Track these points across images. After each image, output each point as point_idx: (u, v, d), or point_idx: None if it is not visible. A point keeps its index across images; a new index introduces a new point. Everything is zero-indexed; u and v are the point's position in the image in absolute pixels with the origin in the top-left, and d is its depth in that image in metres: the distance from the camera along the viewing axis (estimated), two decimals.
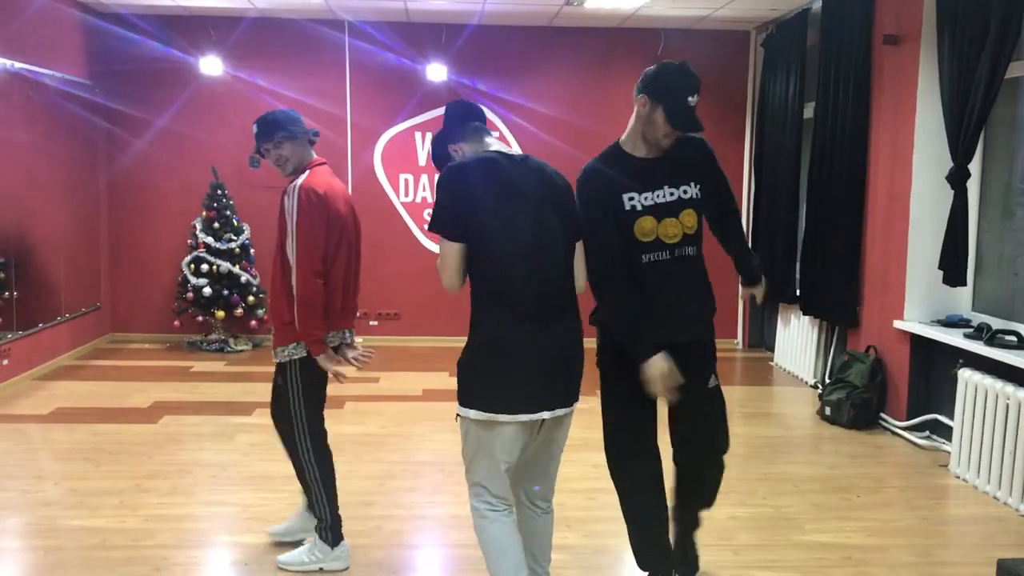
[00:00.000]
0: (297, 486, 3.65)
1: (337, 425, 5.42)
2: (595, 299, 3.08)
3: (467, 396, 2.74)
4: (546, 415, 2.75)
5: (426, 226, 2.72)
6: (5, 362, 6.18)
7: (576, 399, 2.87)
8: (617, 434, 3.23)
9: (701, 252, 3.18)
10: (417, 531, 3.98)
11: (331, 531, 3.52)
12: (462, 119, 2.94)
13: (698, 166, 3.13)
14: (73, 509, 4.10)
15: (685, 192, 3.06)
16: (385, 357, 7.53)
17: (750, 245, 7.66)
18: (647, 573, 3.31)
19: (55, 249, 7.02)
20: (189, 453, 4.96)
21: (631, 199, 3.02)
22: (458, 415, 2.78)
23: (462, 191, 2.72)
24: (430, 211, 2.95)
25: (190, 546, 3.76)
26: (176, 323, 7.71)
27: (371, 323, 8.15)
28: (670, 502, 3.32)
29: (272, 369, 3.57)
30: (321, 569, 3.49)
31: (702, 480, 3.32)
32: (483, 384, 2.72)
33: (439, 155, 2.98)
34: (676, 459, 3.30)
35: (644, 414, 3.20)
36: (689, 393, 3.08)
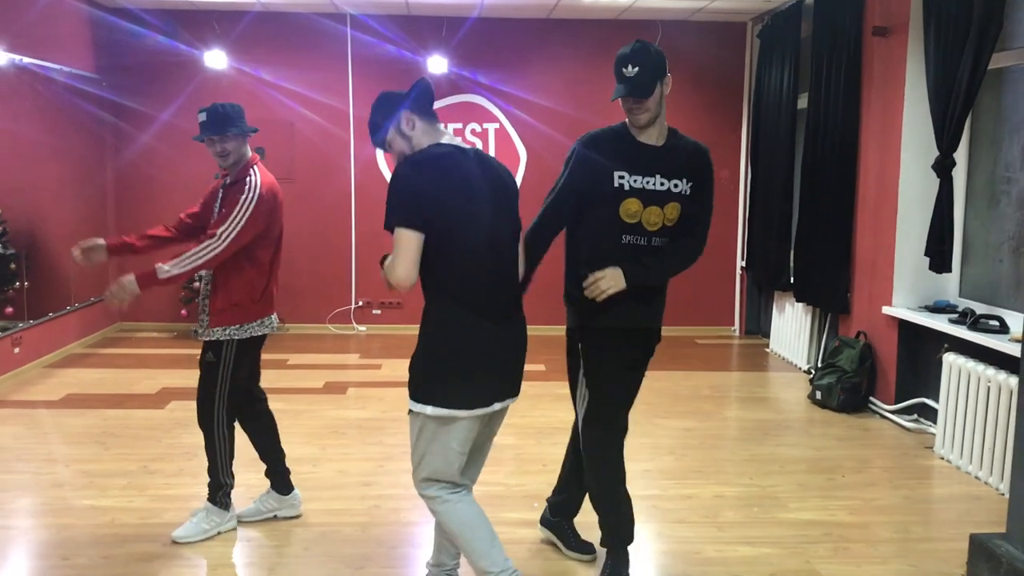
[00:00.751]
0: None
1: (339, 410, 5.64)
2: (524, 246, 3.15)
3: (426, 393, 2.76)
4: (498, 406, 2.86)
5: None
6: (17, 350, 6.35)
7: (520, 388, 2.99)
8: (604, 410, 3.28)
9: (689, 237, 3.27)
10: (415, 509, 4.11)
11: (228, 496, 3.81)
12: (427, 97, 2.87)
13: (696, 170, 3.22)
14: (83, 490, 4.26)
15: (676, 186, 3.17)
16: (387, 345, 7.71)
17: (746, 233, 7.82)
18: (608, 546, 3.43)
19: (64, 240, 7.14)
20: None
21: (621, 177, 3.13)
22: (411, 411, 2.82)
23: (425, 184, 2.68)
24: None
25: None
26: (183, 312, 7.88)
27: (374, 311, 8.29)
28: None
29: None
30: (220, 533, 3.78)
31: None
32: (445, 381, 2.75)
33: (378, 122, 2.85)
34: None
35: (631, 390, 3.32)
36: (637, 378, 3.30)
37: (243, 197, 3.59)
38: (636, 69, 3.08)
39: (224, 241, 3.56)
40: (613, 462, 3.31)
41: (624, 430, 3.32)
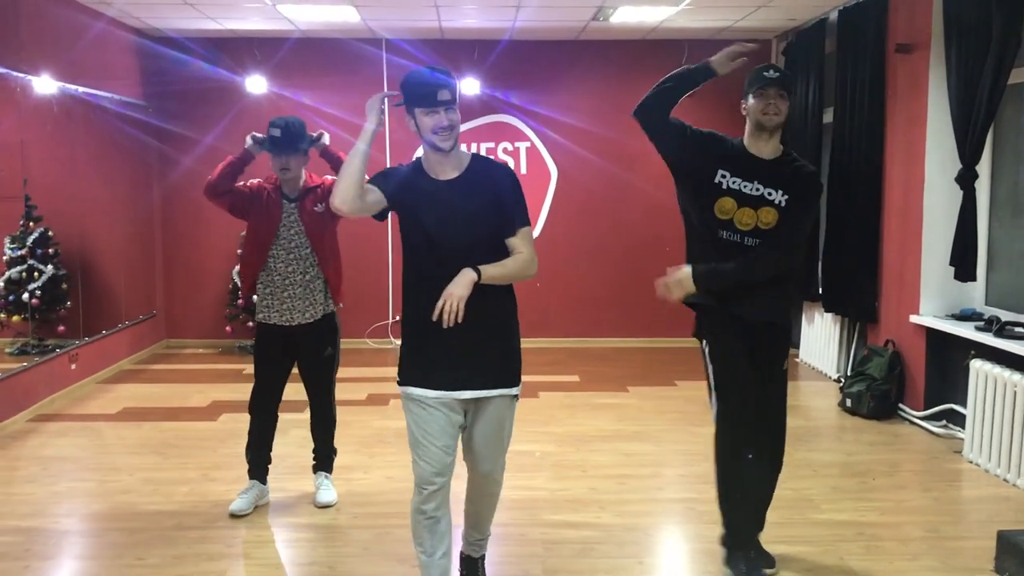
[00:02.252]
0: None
1: (383, 420, 5.88)
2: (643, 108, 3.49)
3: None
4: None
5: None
6: (74, 366, 6.63)
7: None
8: (726, 412, 3.51)
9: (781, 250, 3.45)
10: (459, 512, 4.27)
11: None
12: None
13: (797, 187, 3.42)
14: (149, 496, 4.51)
15: (770, 195, 3.40)
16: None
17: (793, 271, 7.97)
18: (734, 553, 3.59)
19: (114, 261, 7.49)
20: None
21: (723, 175, 3.42)
22: (516, 396, 3.14)
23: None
24: None
25: (258, 527, 4.14)
26: (228, 329, 8.16)
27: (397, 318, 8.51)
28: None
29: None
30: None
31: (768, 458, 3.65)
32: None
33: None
34: None
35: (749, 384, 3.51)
36: (759, 372, 3.48)
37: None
38: (778, 74, 3.44)
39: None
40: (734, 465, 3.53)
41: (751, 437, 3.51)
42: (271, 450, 4.42)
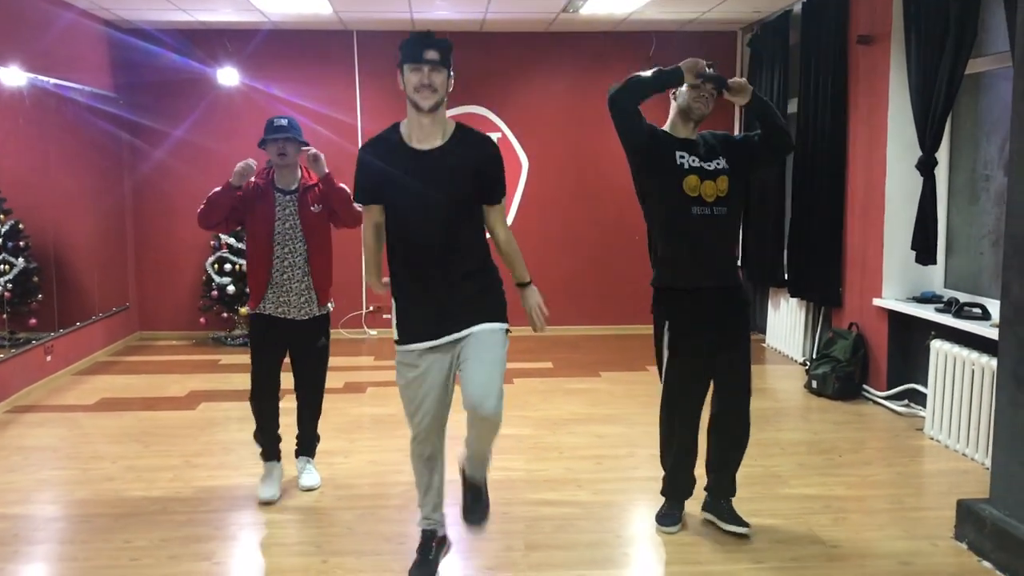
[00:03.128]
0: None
1: (361, 407, 5.97)
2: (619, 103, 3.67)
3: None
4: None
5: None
6: (49, 358, 6.64)
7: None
8: (681, 383, 3.86)
9: (736, 217, 3.82)
10: (447, 493, 4.43)
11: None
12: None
13: (727, 148, 3.79)
14: (133, 483, 4.57)
15: (718, 164, 3.73)
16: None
17: (742, 233, 8.19)
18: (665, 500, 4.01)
19: (86, 253, 7.48)
20: (228, 434, 5.43)
21: (682, 156, 3.70)
22: (508, 331, 3.25)
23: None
24: None
25: (244, 509, 4.22)
26: (202, 320, 8.18)
27: (384, 316, 8.60)
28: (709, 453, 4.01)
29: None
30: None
31: (733, 421, 3.96)
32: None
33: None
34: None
35: (707, 359, 3.82)
36: (723, 338, 3.79)
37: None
38: (713, 70, 3.68)
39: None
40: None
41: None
42: (279, 428, 4.47)
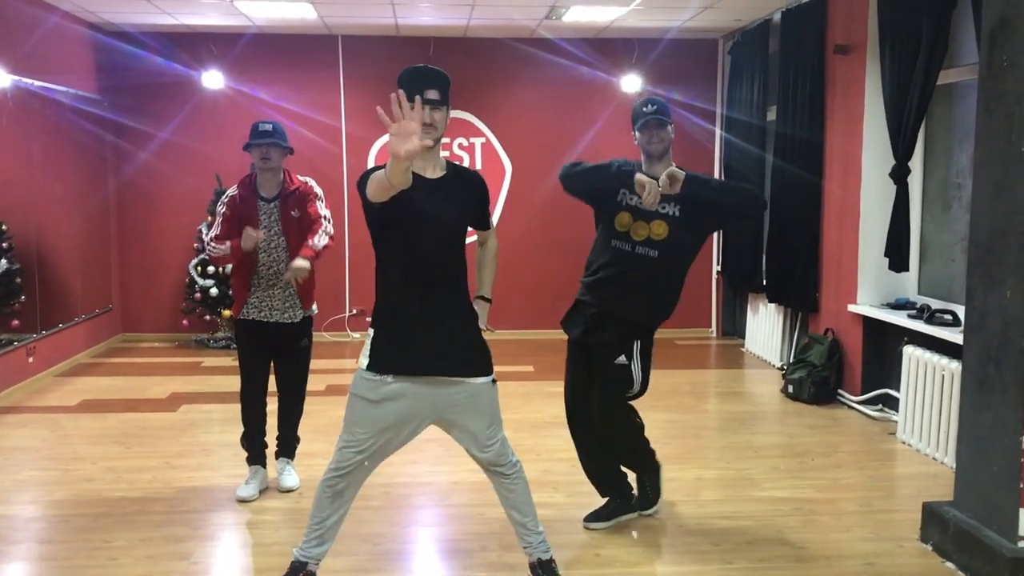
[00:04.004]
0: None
1: (340, 409, 5.90)
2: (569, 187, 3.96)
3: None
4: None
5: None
6: (31, 359, 6.66)
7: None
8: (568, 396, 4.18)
9: (668, 261, 3.84)
10: (422, 495, 4.50)
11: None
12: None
13: (692, 206, 3.79)
14: (113, 483, 4.60)
15: (663, 208, 3.78)
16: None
17: (721, 238, 8.27)
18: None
19: (69, 255, 7.51)
20: (209, 436, 5.47)
21: (623, 194, 3.86)
22: (494, 381, 3.29)
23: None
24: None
25: (222, 510, 4.27)
26: (184, 322, 8.21)
27: (368, 319, 8.63)
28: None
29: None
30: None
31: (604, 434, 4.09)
32: None
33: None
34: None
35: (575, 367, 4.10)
36: (595, 361, 3.96)
37: (320, 194, 4.45)
38: (655, 107, 3.83)
39: (331, 223, 4.43)
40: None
41: None
42: (265, 435, 4.54)
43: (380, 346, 3.15)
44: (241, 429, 4.55)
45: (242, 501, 4.34)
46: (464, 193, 3.28)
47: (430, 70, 3.14)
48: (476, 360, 3.24)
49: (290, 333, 4.42)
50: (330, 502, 3.29)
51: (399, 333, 3.16)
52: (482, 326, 3.34)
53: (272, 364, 4.53)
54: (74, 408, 6.09)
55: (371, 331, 3.19)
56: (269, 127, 4.31)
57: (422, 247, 3.15)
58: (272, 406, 4.56)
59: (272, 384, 4.54)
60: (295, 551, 3.36)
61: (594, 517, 4.11)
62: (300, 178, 4.44)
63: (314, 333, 4.62)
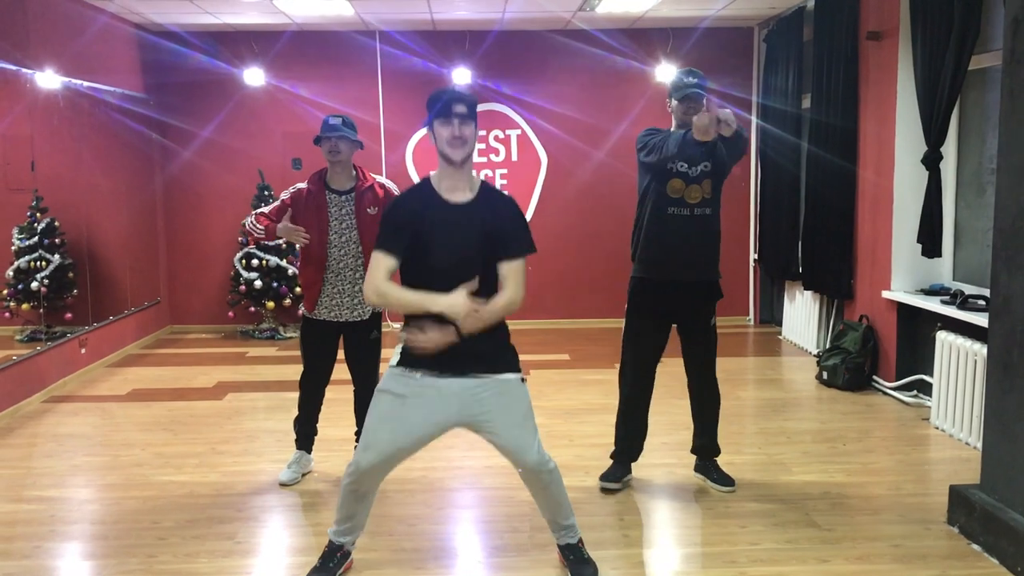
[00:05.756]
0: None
1: None
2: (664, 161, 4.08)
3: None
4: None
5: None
6: (83, 351, 6.91)
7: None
8: (628, 356, 4.41)
9: (717, 215, 4.25)
10: (456, 478, 4.62)
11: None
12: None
13: (712, 150, 4.08)
14: (161, 468, 4.80)
15: (707, 166, 4.13)
16: None
17: (758, 227, 8.29)
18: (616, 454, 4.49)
19: (119, 250, 7.76)
20: (254, 423, 5.65)
21: (672, 161, 4.08)
22: (523, 380, 3.32)
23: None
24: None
25: (265, 493, 4.43)
26: (230, 314, 8.44)
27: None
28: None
29: None
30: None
31: (705, 395, 4.48)
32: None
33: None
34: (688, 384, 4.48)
35: (655, 341, 4.32)
36: (693, 328, 4.28)
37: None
38: (696, 80, 4.08)
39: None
40: None
41: None
42: (316, 423, 4.68)
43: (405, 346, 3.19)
44: (294, 412, 4.67)
45: (283, 485, 4.49)
46: (493, 216, 3.24)
47: (457, 90, 3.28)
48: (503, 359, 3.28)
49: (360, 328, 4.47)
50: (355, 500, 3.40)
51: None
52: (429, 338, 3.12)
53: (345, 357, 4.59)
54: (124, 397, 6.32)
55: (401, 334, 3.20)
56: (338, 120, 4.31)
57: (443, 273, 3.15)
58: (346, 394, 4.64)
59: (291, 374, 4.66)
60: (330, 532, 3.51)
61: (610, 477, 4.42)
62: (379, 179, 4.47)
63: (383, 323, 4.70)
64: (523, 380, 3.32)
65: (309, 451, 4.69)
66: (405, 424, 3.23)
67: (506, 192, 3.46)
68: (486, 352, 3.23)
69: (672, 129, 4.19)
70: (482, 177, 3.43)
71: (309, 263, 4.40)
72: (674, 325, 4.35)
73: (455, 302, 3.06)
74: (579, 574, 3.49)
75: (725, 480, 4.40)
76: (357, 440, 4.70)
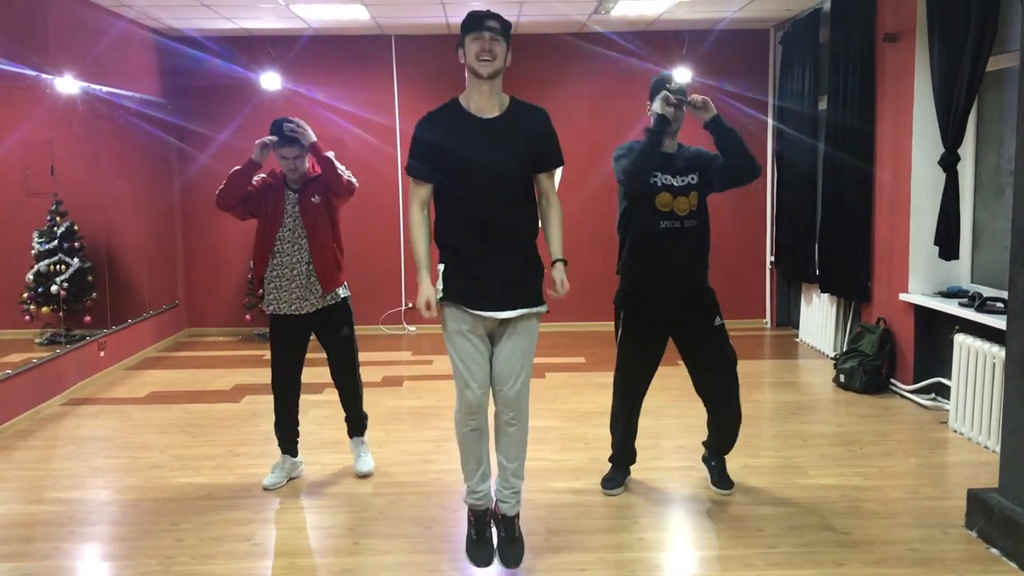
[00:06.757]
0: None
1: (397, 400, 6.19)
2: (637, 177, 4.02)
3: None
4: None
5: None
6: (102, 354, 6.97)
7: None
8: (627, 366, 4.38)
9: (706, 225, 4.18)
10: None
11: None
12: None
13: (699, 162, 4.12)
14: (179, 470, 4.83)
15: (693, 179, 4.09)
16: (437, 343, 8.22)
17: (775, 230, 8.26)
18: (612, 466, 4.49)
19: (137, 253, 7.82)
20: (271, 425, 5.57)
21: (654, 176, 4.05)
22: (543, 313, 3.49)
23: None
24: None
25: (281, 495, 4.46)
26: (247, 317, 8.49)
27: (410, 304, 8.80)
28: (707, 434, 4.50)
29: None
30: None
31: (724, 400, 4.35)
32: None
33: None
34: (698, 391, 4.40)
35: (654, 352, 4.29)
36: (697, 332, 4.20)
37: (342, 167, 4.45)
38: (678, 85, 4.05)
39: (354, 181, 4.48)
40: None
41: None
42: (297, 424, 4.70)
43: (450, 279, 3.38)
44: (311, 414, 4.74)
45: (266, 489, 4.51)
46: (522, 132, 3.30)
47: (491, 11, 3.31)
48: (527, 292, 3.41)
49: (324, 321, 4.52)
50: (474, 439, 3.51)
51: (460, 270, 3.35)
52: (559, 291, 3.46)
53: (325, 355, 4.68)
54: (143, 399, 6.37)
55: (441, 265, 3.40)
56: (292, 131, 4.28)
57: (476, 192, 3.25)
58: (318, 397, 4.69)
59: (307, 376, 4.70)
60: (468, 500, 3.62)
61: (613, 484, 4.42)
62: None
63: (372, 326, 4.74)
64: (541, 313, 3.48)
65: (294, 454, 4.70)
66: (480, 350, 3.40)
67: (536, 106, 3.46)
68: (512, 295, 3.37)
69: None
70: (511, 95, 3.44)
71: (257, 256, 4.47)
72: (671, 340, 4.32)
73: (420, 299, 3.38)
74: (506, 556, 3.56)
75: (724, 482, 4.39)
76: (349, 435, 4.80)
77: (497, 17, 3.26)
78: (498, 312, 3.36)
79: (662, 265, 4.10)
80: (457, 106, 3.34)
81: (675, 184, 4.06)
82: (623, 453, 4.47)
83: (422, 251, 3.42)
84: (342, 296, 4.58)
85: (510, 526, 3.64)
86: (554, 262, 3.52)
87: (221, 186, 4.40)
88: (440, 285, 3.39)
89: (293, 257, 4.40)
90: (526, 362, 3.46)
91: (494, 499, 3.70)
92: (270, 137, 4.34)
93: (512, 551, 3.58)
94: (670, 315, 4.18)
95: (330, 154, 4.38)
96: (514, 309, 3.38)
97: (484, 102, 3.29)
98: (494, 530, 3.69)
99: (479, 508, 3.64)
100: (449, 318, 3.42)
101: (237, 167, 4.39)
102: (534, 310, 3.43)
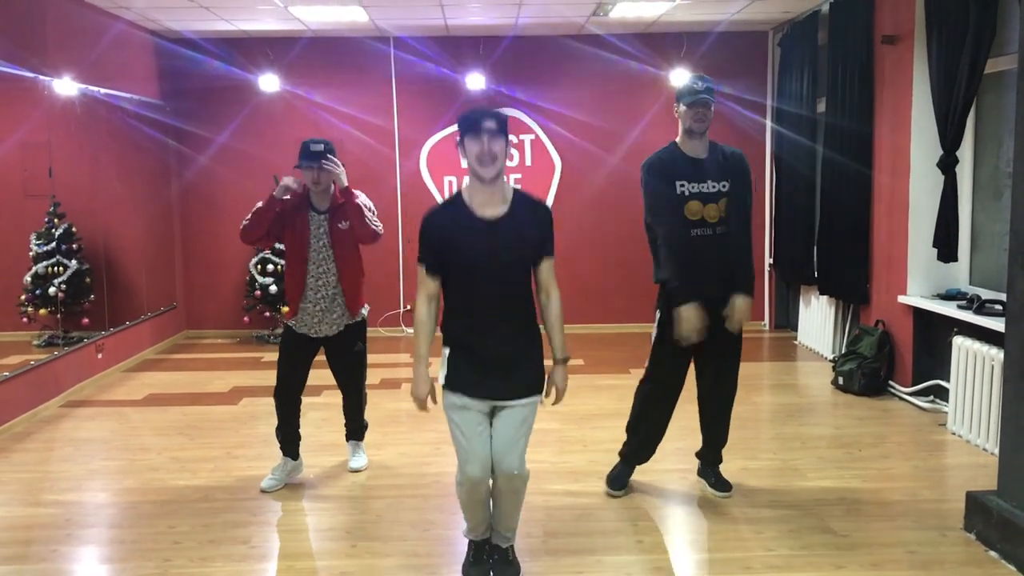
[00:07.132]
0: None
1: (396, 402, 6.18)
2: (651, 247, 4.12)
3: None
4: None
5: None
6: (100, 356, 6.96)
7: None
8: (663, 368, 4.32)
9: (742, 228, 4.14)
10: None
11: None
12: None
13: (732, 171, 4.11)
14: (177, 472, 4.82)
15: (724, 186, 4.06)
16: (434, 346, 8.21)
17: (773, 232, 8.24)
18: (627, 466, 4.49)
19: (135, 255, 7.81)
20: (269, 428, 5.57)
21: (681, 186, 4.02)
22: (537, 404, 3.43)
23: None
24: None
25: (279, 497, 4.45)
26: (245, 319, 8.48)
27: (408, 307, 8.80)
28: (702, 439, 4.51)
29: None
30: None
31: (721, 402, 4.44)
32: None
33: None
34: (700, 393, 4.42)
35: (687, 353, 4.23)
36: (720, 340, 4.16)
37: (367, 202, 4.50)
38: (706, 86, 4.01)
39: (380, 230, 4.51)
40: None
41: None
42: (299, 428, 4.69)
43: (453, 366, 3.35)
44: (310, 416, 4.74)
45: (264, 491, 4.51)
46: (525, 232, 3.31)
47: (487, 109, 3.33)
48: (529, 385, 3.36)
49: (341, 339, 4.56)
50: (477, 506, 3.44)
51: (463, 356, 3.33)
52: (555, 400, 3.45)
53: (328, 364, 4.69)
54: (140, 402, 6.36)
55: (445, 348, 3.37)
56: (320, 147, 4.33)
57: (478, 287, 3.28)
58: (317, 399, 4.70)
59: (315, 379, 4.71)
60: (467, 534, 3.57)
61: (619, 484, 4.42)
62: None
63: (369, 329, 4.75)
64: (540, 401, 3.42)
65: (295, 457, 4.70)
66: (480, 427, 3.34)
67: (539, 200, 3.45)
68: (513, 380, 3.33)
69: (678, 138, 4.13)
70: (515, 186, 3.46)
71: (292, 277, 4.48)
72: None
73: (413, 393, 3.49)
74: (501, 574, 3.54)
75: (722, 485, 4.39)
76: (347, 439, 4.87)
77: (495, 116, 3.23)
78: (492, 400, 3.34)
79: (697, 272, 4.03)
80: (460, 203, 3.33)
81: (705, 191, 4.03)
82: (641, 453, 4.46)
83: (423, 348, 3.44)
84: (364, 315, 4.63)
85: (503, 552, 3.59)
86: (555, 363, 3.47)
87: (245, 223, 4.43)
88: (443, 372, 3.37)
89: (319, 280, 4.43)
90: (524, 432, 3.41)
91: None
92: (297, 180, 4.39)
93: (507, 571, 3.55)
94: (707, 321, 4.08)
95: (360, 197, 4.42)
96: (509, 398, 3.34)
97: (487, 200, 3.29)
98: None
99: (478, 540, 3.59)
100: (450, 407, 3.41)
101: (260, 204, 4.40)
102: (534, 399, 3.39)
